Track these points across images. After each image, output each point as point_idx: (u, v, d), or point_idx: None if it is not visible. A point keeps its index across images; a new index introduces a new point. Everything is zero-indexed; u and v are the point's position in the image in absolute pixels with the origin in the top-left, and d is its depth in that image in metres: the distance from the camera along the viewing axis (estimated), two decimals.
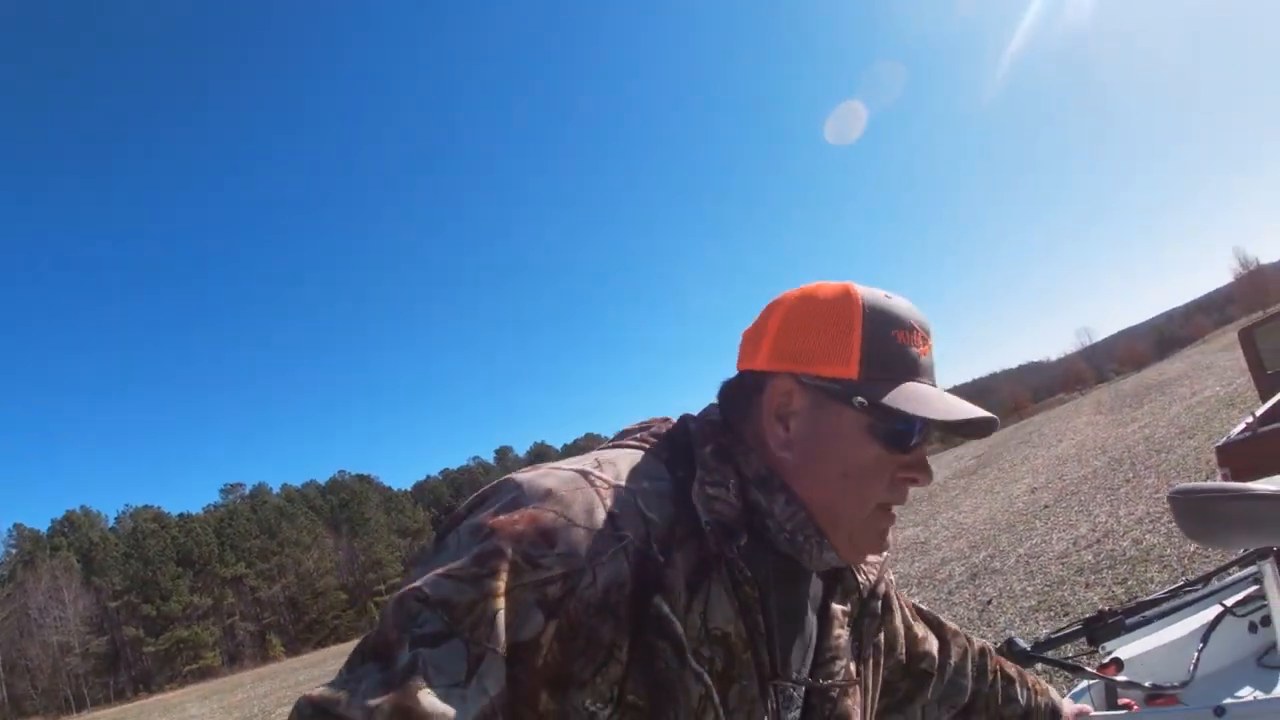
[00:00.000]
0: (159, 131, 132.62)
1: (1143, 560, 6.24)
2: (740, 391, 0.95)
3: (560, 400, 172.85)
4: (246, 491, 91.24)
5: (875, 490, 0.89)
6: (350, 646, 0.77)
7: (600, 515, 0.77)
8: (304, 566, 77.07)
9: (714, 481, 0.87)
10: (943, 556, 9.79)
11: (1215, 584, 1.70)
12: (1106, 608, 1.62)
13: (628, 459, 0.88)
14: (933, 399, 0.87)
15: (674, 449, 0.91)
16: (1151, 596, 1.65)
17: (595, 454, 0.88)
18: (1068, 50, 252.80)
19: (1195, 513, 1.24)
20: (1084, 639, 1.59)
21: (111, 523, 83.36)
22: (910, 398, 0.86)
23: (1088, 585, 6.15)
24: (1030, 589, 6.72)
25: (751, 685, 0.83)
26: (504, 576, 0.71)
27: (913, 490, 0.93)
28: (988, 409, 0.89)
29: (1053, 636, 1.59)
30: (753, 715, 0.83)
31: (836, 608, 1.00)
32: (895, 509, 0.92)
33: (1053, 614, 5.81)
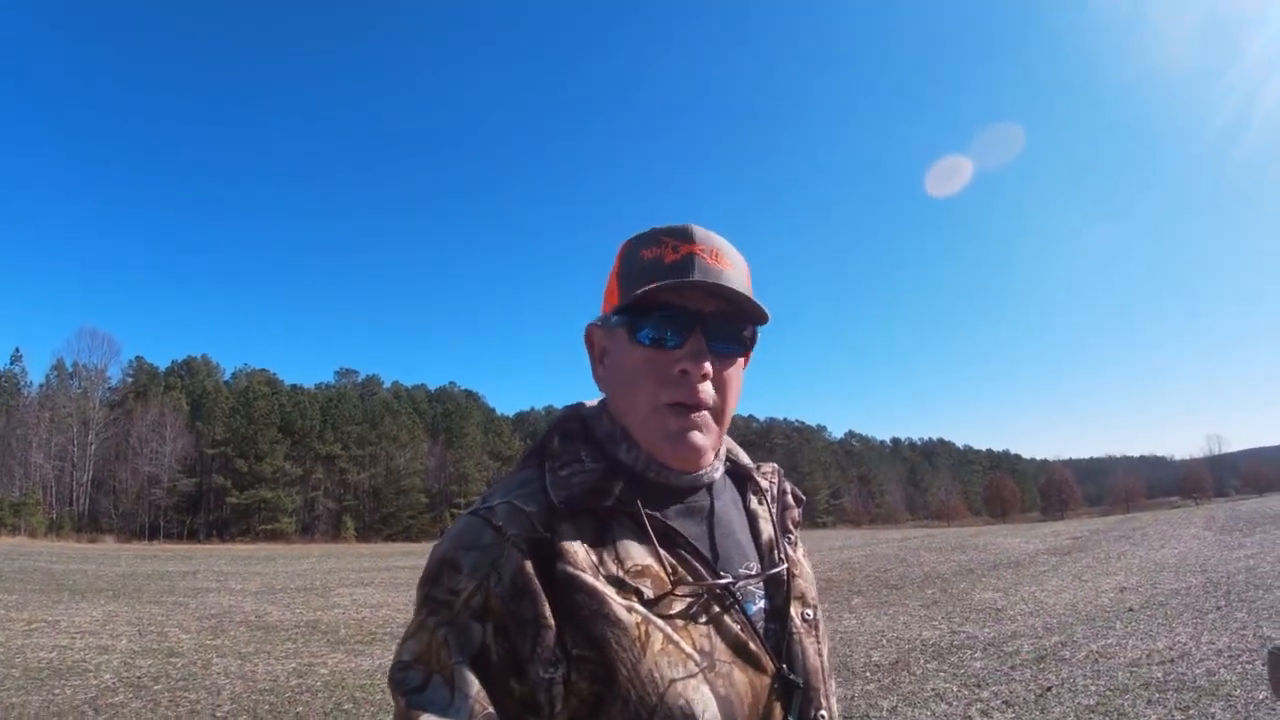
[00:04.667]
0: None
1: (1211, 693, 6.22)
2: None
3: None
4: (359, 379, 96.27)
5: (646, 388, 1.00)
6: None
7: (488, 532, 0.92)
8: (395, 462, 79.40)
9: (562, 463, 1.01)
10: (1015, 629, 9.75)
11: None
12: None
13: (506, 479, 1.03)
14: (661, 287, 0.98)
15: (535, 452, 1.06)
16: None
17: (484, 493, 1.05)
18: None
19: None
20: None
21: (227, 377, 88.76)
22: (643, 293, 0.98)
23: (1149, 702, 6.18)
24: (1093, 688, 6.75)
25: (698, 595, 0.97)
26: (440, 612, 0.89)
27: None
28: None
29: None
30: (711, 616, 0.97)
31: (756, 507, 1.16)
32: (700, 415, 1.01)
33: None
